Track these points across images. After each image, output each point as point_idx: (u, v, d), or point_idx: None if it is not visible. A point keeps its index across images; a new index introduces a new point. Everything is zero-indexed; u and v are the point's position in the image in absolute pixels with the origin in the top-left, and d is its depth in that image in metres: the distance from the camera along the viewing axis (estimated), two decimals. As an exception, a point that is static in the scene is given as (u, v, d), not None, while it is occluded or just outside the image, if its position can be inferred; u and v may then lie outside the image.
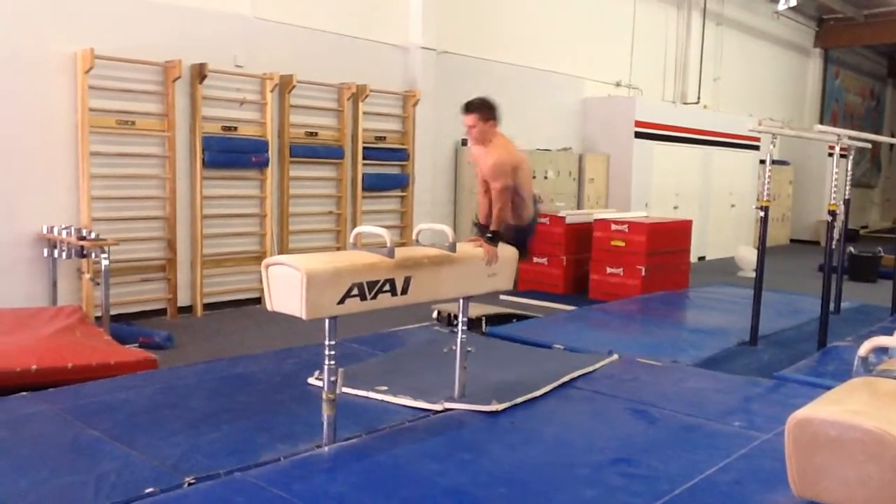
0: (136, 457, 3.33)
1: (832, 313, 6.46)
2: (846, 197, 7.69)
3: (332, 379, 3.44)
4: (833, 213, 6.10)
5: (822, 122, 17.44)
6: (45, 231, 6.32)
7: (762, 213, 5.96)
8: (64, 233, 6.22)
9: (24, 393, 4.12)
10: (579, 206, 11.53)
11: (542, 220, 8.87)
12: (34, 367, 4.45)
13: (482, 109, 4.41)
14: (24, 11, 6.20)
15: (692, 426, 3.99)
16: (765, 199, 5.94)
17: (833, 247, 6.17)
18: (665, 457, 3.54)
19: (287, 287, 3.29)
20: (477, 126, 4.39)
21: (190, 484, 3.08)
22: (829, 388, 3.62)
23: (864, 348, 3.09)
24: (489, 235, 4.26)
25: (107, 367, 4.70)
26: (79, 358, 4.70)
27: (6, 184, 6.20)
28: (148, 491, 2.99)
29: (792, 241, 17.08)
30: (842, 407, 2.48)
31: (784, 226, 16.84)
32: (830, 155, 6.39)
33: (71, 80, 6.44)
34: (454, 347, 4.21)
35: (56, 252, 6.26)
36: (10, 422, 3.73)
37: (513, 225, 4.44)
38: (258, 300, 7.72)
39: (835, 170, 6.17)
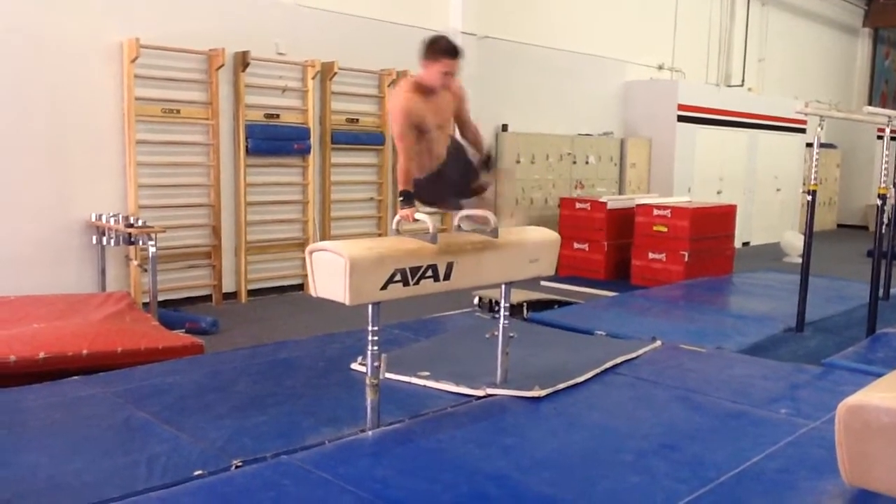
0: (185, 439, 3.40)
1: (881, 299, 6.32)
2: (896, 180, 7.52)
3: (376, 364, 3.47)
4: (883, 197, 5.97)
5: (870, 104, 17.02)
6: (93, 219, 6.45)
7: (810, 197, 5.86)
8: (112, 220, 6.34)
9: (75, 377, 4.23)
10: (621, 192, 11.44)
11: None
12: (85, 351, 4.55)
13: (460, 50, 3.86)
14: (71, 1, 6.31)
15: (737, 413, 3.94)
16: (812, 182, 5.83)
17: (882, 231, 6.06)
18: (710, 444, 3.51)
19: (331, 273, 3.31)
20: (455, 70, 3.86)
21: (237, 466, 3.13)
22: (878, 375, 3.56)
23: (917, 335, 3.02)
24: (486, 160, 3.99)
25: (155, 352, 4.78)
26: (128, 343, 4.79)
27: (56, 173, 6.34)
28: (197, 473, 3.04)
29: (839, 225, 16.75)
30: (895, 393, 2.44)
31: (831, 210, 16.51)
32: (880, 138, 6.25)
33: (117, 69, 6.54)
34: (496, 333, 4.20)
35: (104, 239, 6.39)
36: (64, 404, 3.83)
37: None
38: (301, 286, 7.81)
39: (885, 152, 6.03)
